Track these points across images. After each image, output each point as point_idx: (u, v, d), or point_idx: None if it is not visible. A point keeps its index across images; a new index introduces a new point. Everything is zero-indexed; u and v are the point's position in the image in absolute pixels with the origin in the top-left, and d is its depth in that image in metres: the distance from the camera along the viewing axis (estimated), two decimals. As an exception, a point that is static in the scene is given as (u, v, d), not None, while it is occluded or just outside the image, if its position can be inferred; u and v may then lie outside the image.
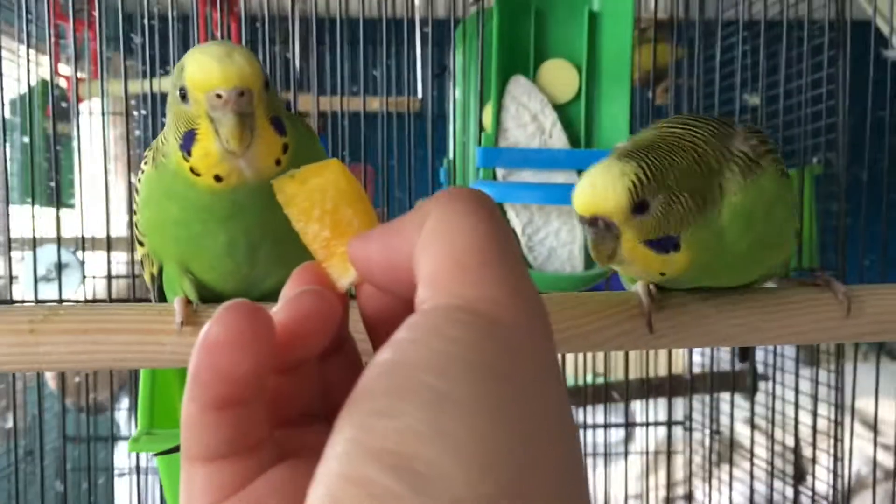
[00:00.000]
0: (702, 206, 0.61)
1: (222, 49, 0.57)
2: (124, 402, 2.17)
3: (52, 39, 1.34)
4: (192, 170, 0.59)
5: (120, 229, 1.85)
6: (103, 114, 1.41)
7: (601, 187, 0.59)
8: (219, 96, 0.56)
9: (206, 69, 0.56)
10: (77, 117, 1.44)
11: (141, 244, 0.69)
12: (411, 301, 0.32)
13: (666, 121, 0.67)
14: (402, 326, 0.28)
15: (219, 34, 1.73)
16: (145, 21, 1.44)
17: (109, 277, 1.43)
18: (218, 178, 0.59)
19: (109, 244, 1.31)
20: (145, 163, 0.66)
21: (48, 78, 1.54)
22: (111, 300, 1.40)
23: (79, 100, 1.74)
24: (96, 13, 1.31)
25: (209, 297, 0.68)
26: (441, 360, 0.26)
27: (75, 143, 1.86)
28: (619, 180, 0.59)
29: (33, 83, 1.38)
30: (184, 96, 0.58)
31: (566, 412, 0.27)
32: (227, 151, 0.58)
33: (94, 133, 1.87)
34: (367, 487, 0.23)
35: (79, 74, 1.68)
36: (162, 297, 0.73)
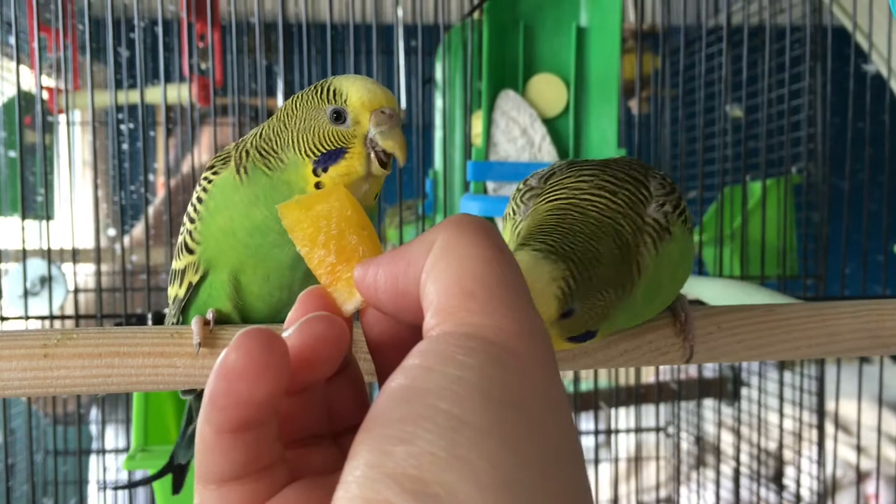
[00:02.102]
0: (621, 295, 0.60)
1: (369, 79, 0.63)
2: (93, 415, 2.15)
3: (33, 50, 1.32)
4: (317, 185, 0.63)
5: (87, 241, 1.83)
6: (68, 124, 1.39)
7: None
8: (383, 112, 0.62)
9: (373, 91, 0.62)
10: (55, 127, 1.43)
11: (190, 252, 0.69)
12: (415, 325, 0.33)
13: (577, 173, 0.65)
14: (412, 353, 0.29)
15: (202, 45, 1.72)
16: (133, 34, 1.43)
17: (76, 291, 1.42)
18: None
19: (100, 256, 1.30)
20: (214, 172, 0.68)
21: (28, 89, 1.52)
22: (77, 316, 1.39)
23: (59, 111, 1.73)
24: (81, 26, 1.30)
25: (243, 309, 0.69)
26: (454, 386, 0.27)
27: (54, 155, 1.84)
28: (548, 287, 0.55)
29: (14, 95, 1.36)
30: (337, 117, 0.62)
31: (572, 435, 0.28)
32: (366, 175, 0.63)
33: (74, 144, 1.84)
34: None
35: (60, 86, 1.66)
36: (182, 314, 0.73)
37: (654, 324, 0.69)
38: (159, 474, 0.91)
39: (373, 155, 0.62)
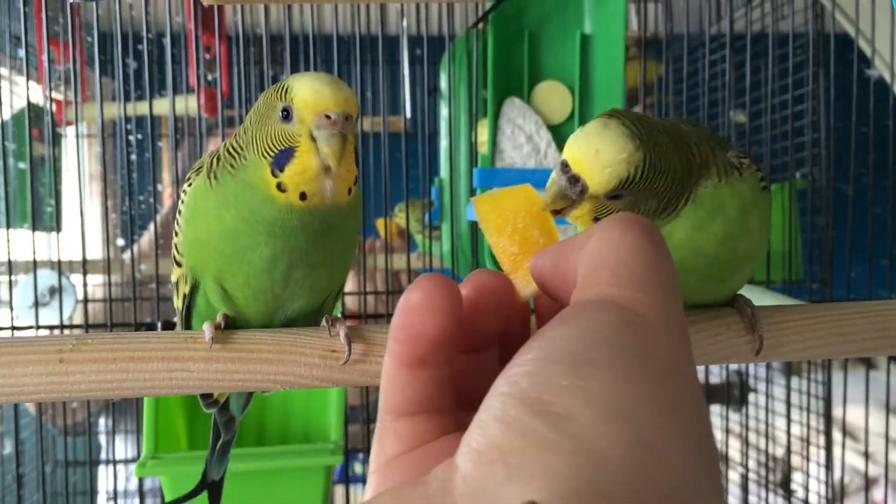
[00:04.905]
0: (661, 210, 0.61)
1: (329, 77, 0.61)
2: (102, 426, 2.15)
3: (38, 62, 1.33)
4: (279, 185, 0.62)
5: (97, 252, 1.83)
6: (77, 136, 1.39)
7: (600, 162, 0.57)
8: (328, 117, 0.60)
9: (319, 92, 0.60)
10: (63, 139, 1.44)
11: (178, 265, 0.69)
12: None
13: (679, 119, 0.67)
14: (554, 317, 0.33)
15: (208, 56, 1.73)
16: (140, 47, 1.44)
17: (86, 301, 1.42)
18: (303, 197, 0.62)
19: (110, 267, 1.31)
20: (189, 184, 0.68)
21: (35, 102, 1.53)
22: (87, 325, 1.39)
23: (68, 123, 1.74)
24: (90, 38, 1.31)
25: (237, 317, 0.69)
26: (583, 333, 0.30)
27: (61, 166, 1.85)
28: (617, 165, 0.57)
29: (22, 107, 1.37)
30: (286, 115, 0.61)
31: (698, 399, 0.30)
32: (324, 169, 0.61)
33: (81, 156, 1.86)
34: (512, 424, 0.28)
35: (69, 98, 1.67)
36: (187, 325, 0.73)
37: (721, 319, 0.70)
38: (193, 493, 0.89)
39: (320, 153, 0.61)
